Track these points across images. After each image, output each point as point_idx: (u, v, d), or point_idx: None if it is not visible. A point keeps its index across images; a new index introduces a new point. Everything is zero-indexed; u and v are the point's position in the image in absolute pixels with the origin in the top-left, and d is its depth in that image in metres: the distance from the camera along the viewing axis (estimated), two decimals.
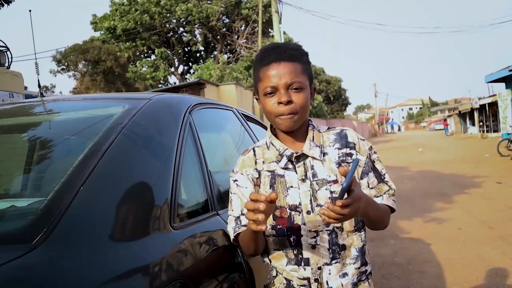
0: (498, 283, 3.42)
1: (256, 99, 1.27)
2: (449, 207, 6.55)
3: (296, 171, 1.20)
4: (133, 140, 1.25)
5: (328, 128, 1.29)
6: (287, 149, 1.22)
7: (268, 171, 1.23)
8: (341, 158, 1.22)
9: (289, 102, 1.15)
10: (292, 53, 1.18)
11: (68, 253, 0.87)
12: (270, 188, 1.21)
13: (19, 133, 1.62)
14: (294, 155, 1.20)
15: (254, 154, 1.28)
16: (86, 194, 0.98)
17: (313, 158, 1.21)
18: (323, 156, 1.22)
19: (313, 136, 1.23)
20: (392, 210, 1.25)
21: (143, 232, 1.07)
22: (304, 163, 1.21)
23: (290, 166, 1.21)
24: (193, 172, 1.48)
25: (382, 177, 1.25)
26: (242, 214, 1.22)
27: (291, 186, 1.20)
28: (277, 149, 1.23)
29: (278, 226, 1.20)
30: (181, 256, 1.16)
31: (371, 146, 1.28)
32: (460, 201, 7.00)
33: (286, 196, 1.19)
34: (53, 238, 0.85)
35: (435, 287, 3.47)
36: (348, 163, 1.22)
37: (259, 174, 1.24)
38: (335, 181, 1.19)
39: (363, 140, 1.27)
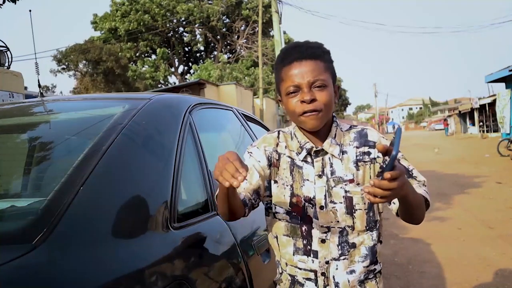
0: (498, 283, 3.42)
1: (279, 101, 1.26)
2: (449, 207, 6.55)
3: (313, 166, 1.21)
4: (133, 140, 1.25)
5: (350, 127, 1.28)
6: (307, 142, 1.22)
7: (289, 157, 1.23)
8: (358, 157, 1.21)
9: (312, 100, 1.14)
10: (313, 51, 1.18)
11: (68, 253, 0.87)
12: (290, 174, 1.21)
13: (19, 133, 1.62)
14: (314, 149, 1.21)
15: (278, 137, 1.27)
16: (86, 194, 0.98)
17: (332, 155, 1.21)
18: (342, 154, 1.21)
19: (335, 134, 1.23)
20: (426, 202, 1.19)
21: (143, 232, 1.07)
22: (322, 158, 1.21)
23: (308, 159, 1.22)
24: (193, 172, 1.48)
25: (410, 173, 1.22)
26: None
27: (307, 180, 1.20)
28: (298, 141, 1.23)
29: (293, 213, 1.20)
30: (181, 256, 1.16)
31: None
32: (460, 201, 7.00)
33: (302, 186, 1.20)
34: (53, 238, 0.85)
35: (435, 287, 3.47)
36: (365, 161, 1.21)
37: (279, 157, 1.24)
38: (351, 180, 1.19)
39: (385, 138, 1.25)
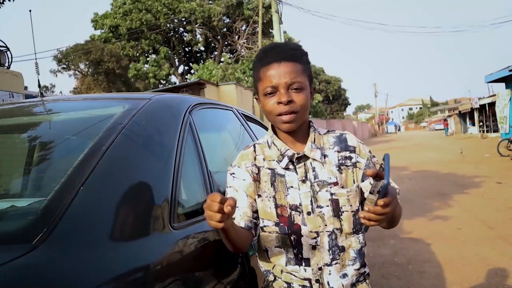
0: (498, 283, 3.42)
1: (256, 98, 1.28)
2: (449, 207, 6.55)
3: (296, 172, 1.21)
4: (133, 140, 1.25)
5: (328, 131, 1.30)
6: (288, 149, 1.22)
7: (269, 168, 1.23)
8: (341, 161, 1.23)
9: (289, 102, 1.15)
10: (292, 53, 1.18)
11: (68, 253, 0.87)
12: (271, 186, 1.21)
13: (19, 133, 1.62)
14: (296, 155, 1.21)
15: (254, 150, 1.28)
16: (86, 194, 0.98)
17: (314, 159, 1.21)
18: (324, 158, 1.22)
19: (314, 138, 1.24)
20: None
21: (143, 232, 1.07)
22: (304, 164, 1.21)
23: (290, 166, 1.21)
24: (193, 172, 1.48)
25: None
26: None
27: (291, 187, 1.20)
28: (278, 149, 1.23)
29: (281, 224, 1.20)
30: (181, 256, 1.16)
31: (370, 150, 1.29)
32: (460, 201, 7.00)
33: (286, 195, 1.20)
34: (53, 238, 0.85)
35: (435, 287, 3.47)
36: (347, 166, 1.23)
37: (259, 170, 1.24)
38: (335, 183, 1.20)
39: (363, 143, 1.29)
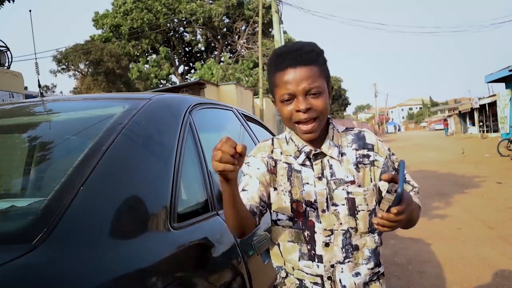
0: (498, 283, 3.42)
1: (273, 101, 1.25)
2: (449, 207, 6.55)
3: (313, 169, 1.20)
4: (133, 140, 1.25)
5: (346, 129, 1.28)
6: (306, 145, 1.21)
7: (286, 163, 1.22)
8: (358, 159, 1.21)
9: (308, 109, 1.12)
10: (308, 56, 1.14)
11: (68, 253, 0.87)
12: (288, 180, 1.20)
13: (19, 133, 1.62)
14: (313, 152, 1.20)
15: (272, 144, 1.27)
16: (86, 194, 0.98)
17: (331, 157, 1.20)
18: (341, 156, 1.21)
19: (332, 136, 1.22)
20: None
21: (143, 232, 1.07)
22: (321, 161, 1.20)
23: (307, 163, 1.21)
24: (193, 172, 1.48)
25: (407, 180, 1.25)
26: (243, 190, 1.18)
27: (307, 183, 1.19)
28: (296, 145, 1.22)
29: (295, 219, 1.19)
30: (181, 256, 1.16)
31: (389, 148, 1.27)
32: (460, 201, 7.00)
33: (302, 191, 1.19)
34: (53, 238, 0.85)
35: (435, 287, 3.47)
36: (365, 164, 1.21)
37: (276, 163, 1.23)
38: (352, 182, 1.18)
39: (382, 141, 1.26)
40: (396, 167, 1.24)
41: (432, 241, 4.77)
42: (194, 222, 1.31)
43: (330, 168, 1.20)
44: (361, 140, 1.24)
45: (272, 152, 1.24)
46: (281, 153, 1.24)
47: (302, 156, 1.20)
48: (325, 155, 1.20)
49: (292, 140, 1.24)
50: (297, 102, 1.13)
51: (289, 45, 1.21)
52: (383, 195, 1.17)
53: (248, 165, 1.23)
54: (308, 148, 1.20)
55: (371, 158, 1.21)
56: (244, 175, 1.23)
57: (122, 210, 1.06)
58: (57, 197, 0.96)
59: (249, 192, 1.17)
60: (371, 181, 1.21)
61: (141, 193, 1.15)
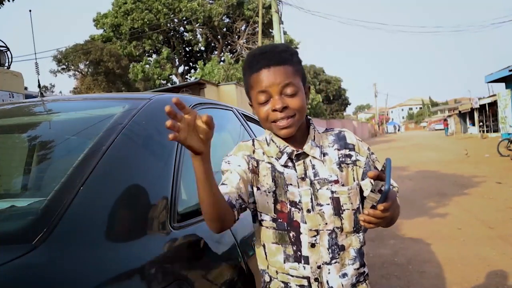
0: (498, 283, 3.42)
1: (250, 105, 1.24)
2: (449, 207, 6.55)
3: (295, 169, 1.20)
4: (133, 140, 1.25)
5: (326, 130, 1.29)
6: (287, 146, 1.20)
7: (269, 163, 1.21)
8: (341, 159, 1.22)
9: (284, 108, 1.13)
10: (281, 56, 1.14)
11: (68, 253, 0.87)
12: (272, 180, 1.19)
13: (19, 133, 1.62)
14: (295, 153, 1.20)
15: (253, 144, 1.26)
16: (86, 194, 0.98)
17: (314, 157, 1.20)
18: (323, 156, 1.21)
19: (314, 136, 1.23)
20: None
21: (143, 232, 1.07)
22: (304, 161, 1.20)
23: (289, 164, 1.20)
24: (193, 172, 1.48)
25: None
26: (223, 184, 1.15)
27: (290, 184, 1.19)
28: (277, 146, 1.22)
29: (279, 220, 1.19)
30: (181, 256, 1.16)
31: (368, 147, 1.28)
32: (460, 201, 7.00)
33: (286, 191, 1.18)
34: (53, 238, 0.85)
35: (435, 287, 3.47)
36: (347, 164, 1.22)
37: (257, 164, 1.21)
38: (336, 181, 1.19)
39: (361, 141, 1.28)
40: (376, 166, 1.25)
41: (432, 241, 4.77)
42: (194, 222, 1.31)
43: (313, 168, 1.20)
44: (342, 140, 1.25)
45: (253, 152, 1.23)
46: (263, 153, 1.23)
47: (284, 157, 1.20)
48: (307, 155, 1.20)
49: (273, 141, 1.23)
50: (273, 102, 1.13)
51: (262, 47, 1.22)
52: (365, 194, 1.18)
53: (228, 163, 1.21)
54: (290, 148, 1.20)
55: (353, 158, 1.23)
56: (224, 173, 1.21)
57: (122, 210, 1.06)
58: (57, 197, 0.96)
59: (228, 186, 1.13)
60: (354, 180, 1.22)
61: (141, 193, 1.15)
